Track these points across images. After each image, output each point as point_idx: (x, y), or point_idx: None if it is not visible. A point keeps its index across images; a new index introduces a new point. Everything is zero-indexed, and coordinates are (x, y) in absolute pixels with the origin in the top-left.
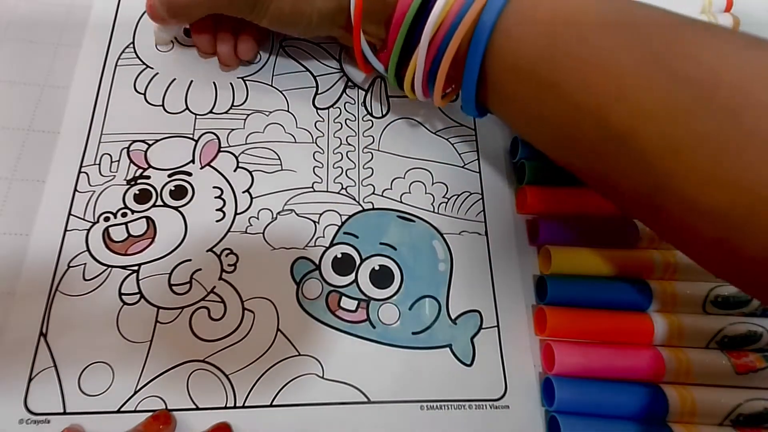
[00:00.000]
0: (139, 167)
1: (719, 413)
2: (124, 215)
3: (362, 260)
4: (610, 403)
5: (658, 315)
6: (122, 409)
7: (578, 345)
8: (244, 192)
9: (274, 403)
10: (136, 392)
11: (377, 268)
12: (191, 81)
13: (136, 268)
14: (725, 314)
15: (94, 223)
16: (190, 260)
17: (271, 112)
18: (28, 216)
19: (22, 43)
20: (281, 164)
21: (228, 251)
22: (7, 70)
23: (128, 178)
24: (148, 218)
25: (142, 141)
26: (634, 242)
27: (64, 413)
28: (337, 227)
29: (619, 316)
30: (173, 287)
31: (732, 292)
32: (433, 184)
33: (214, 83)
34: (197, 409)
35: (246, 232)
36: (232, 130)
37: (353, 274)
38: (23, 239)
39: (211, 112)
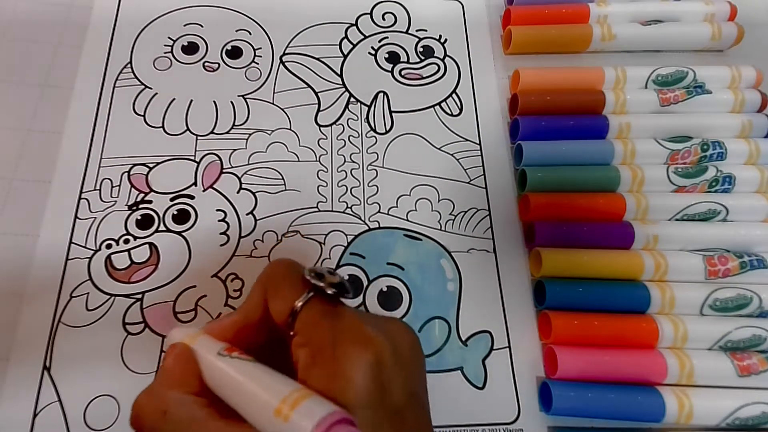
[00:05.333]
0: (141, 191)
1: (717, 416)
2: (126, 242)
3: (370, 282)
4: (607, 407)
5: (663, 318)
6: None
7: (580, 349)
8: (247, 214)
9: None
10: None
11: (385, 289)
12: (191, 100)
13: (139, 296)
14: (725, 316)
15: (95, 251)
16: (194, 286)
17: (273, 131)
18: (27, 245)
19: (23, 43)
20: (285, 184)
21: (233, 276)
22: (7, 70)
23: (129, 203)
24: (150, 244)
25: (143, 164)
26: (629, 244)
27: None
28: (343, 248)
29: (624, 319)
30: (178, 315)
31: (731, 295)
32: (439, 200)
33: (214, 102)
34: None
35: (251, 256)
36: (234, 150)
37: (361, 297)
38: (24, 266)
39: (212, 132)
